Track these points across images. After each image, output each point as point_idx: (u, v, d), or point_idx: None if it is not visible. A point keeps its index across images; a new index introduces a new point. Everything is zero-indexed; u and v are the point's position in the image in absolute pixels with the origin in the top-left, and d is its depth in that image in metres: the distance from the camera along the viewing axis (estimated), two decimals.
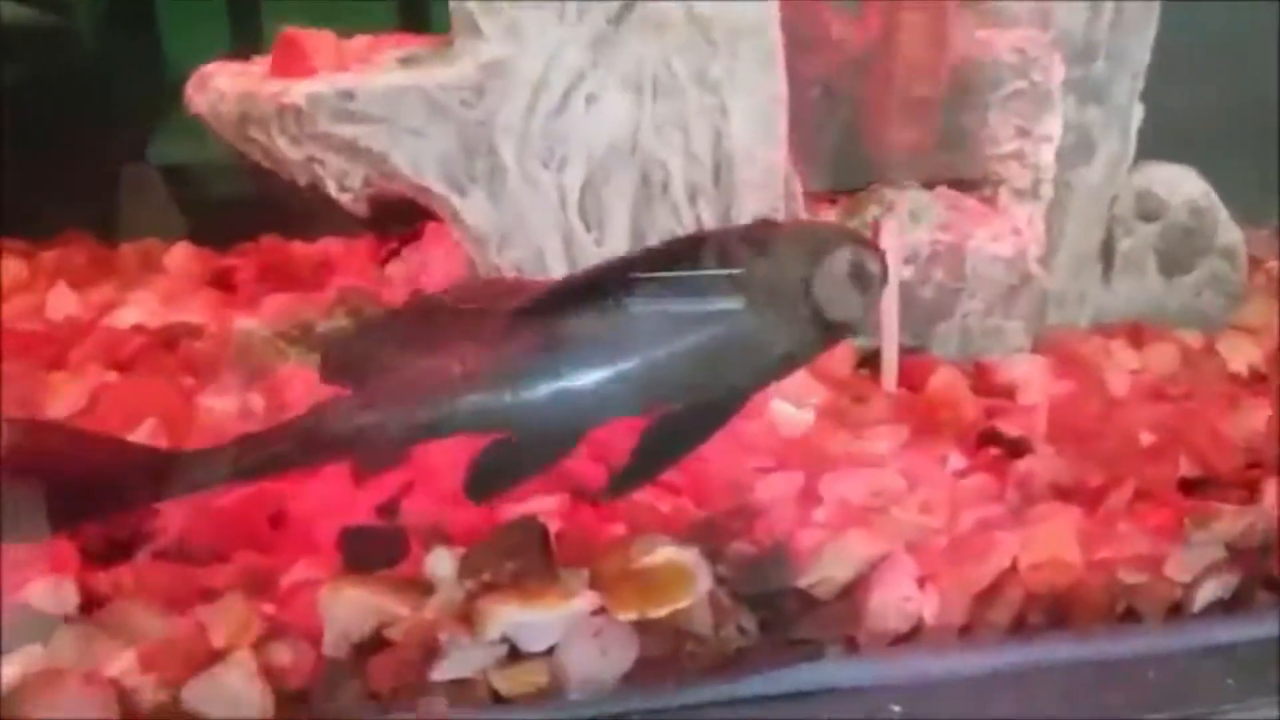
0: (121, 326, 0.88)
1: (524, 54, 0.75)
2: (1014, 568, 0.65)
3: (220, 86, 0.75)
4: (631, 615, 0.59)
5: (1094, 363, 0.87)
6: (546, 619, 0.58)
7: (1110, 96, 0.89)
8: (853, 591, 0.63)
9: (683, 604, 0.59)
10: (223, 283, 1.02)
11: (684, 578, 0.60)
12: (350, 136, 0.73)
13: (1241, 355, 0.89)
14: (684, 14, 0.76)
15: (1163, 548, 0.67)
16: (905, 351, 0.86)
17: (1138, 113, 0.90)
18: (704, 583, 0.60)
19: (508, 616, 0.58)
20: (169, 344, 0.85)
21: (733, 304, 0.60)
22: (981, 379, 0.86)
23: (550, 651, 0.59)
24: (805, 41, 0.88)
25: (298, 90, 0.72)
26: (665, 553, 0.60)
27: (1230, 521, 0.66)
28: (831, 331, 0.62)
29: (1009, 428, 0.77)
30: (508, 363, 0.59)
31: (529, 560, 0.59)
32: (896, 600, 0.63)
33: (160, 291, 0.98)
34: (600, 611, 0.59)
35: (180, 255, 1.06)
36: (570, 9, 0.74)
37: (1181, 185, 0.93)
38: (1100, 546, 0.66)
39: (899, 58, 0.83)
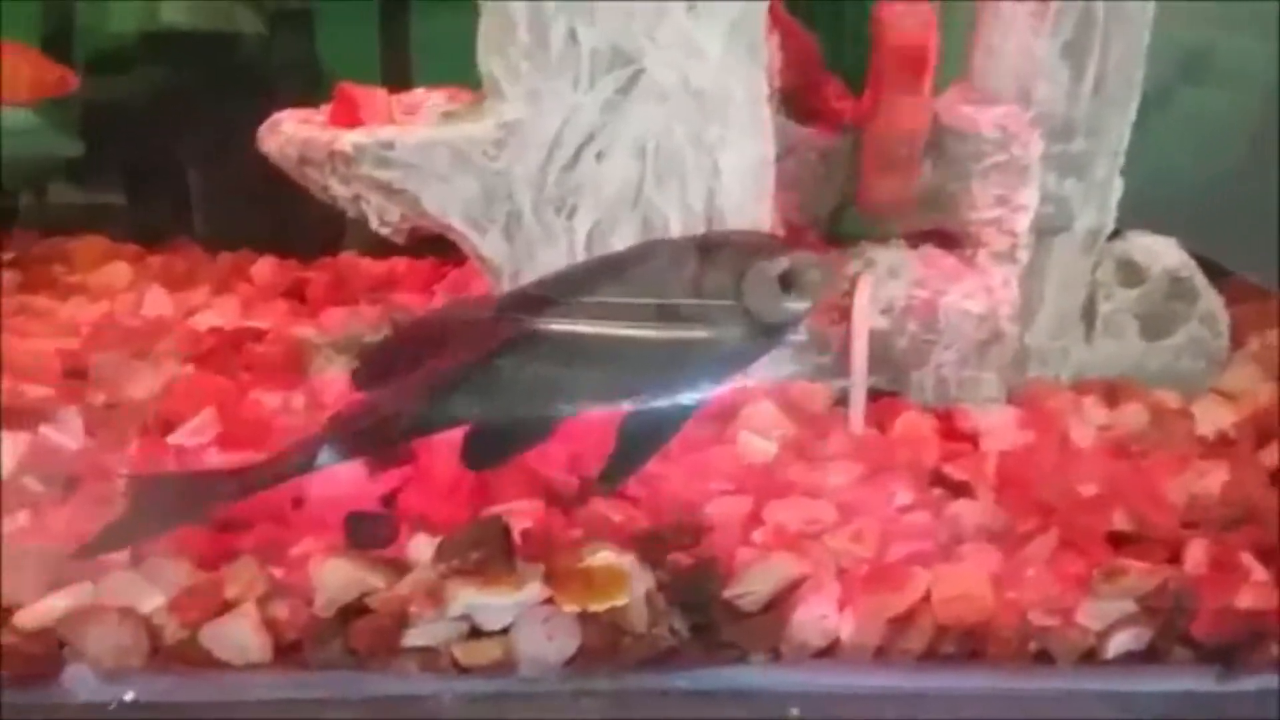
0: (201, 327, 1.03)
1: (541, 115, 0.86)
2: (927, 599, 0.71)
3: (286, 131, 0.89)
4: (575, 608, 0.68)
5: (1062, 416, 0.92)
6: (502, 603, 0.68)
7: (1089, 171, 0.94)
8: (776, 606, 0.71)
9: (620, 602, 0.69)
10: (296, 293, 1.16)
11: (621, 579, 0.69)
12: (388, 180, 0.85)
13: (1213, 419, 0.93)
14: (682, 85, 0.86)
15: (1075, 595, 0.72)
16: (880, 395, 0.93)
17: (1117, 186, 0.95)
18: (641, 586, 0.70)
19: (468, 598, 0.68)
20: (236, 345, 1.00)
21: (683, 305, 0.68)
22: (951, 425, 0.92)
23: (505, 632, 0.69)
24: (807, 111, 0.97)
25: (346, 139, 0.85)
26: (605, 556, 0.69)
27: (1138, 578, 0.71)
28: (769, 333, 0.69)
29: (957, 471, 0.84)
30: (491, 360, 0.69)
31: (492, 552, 0.70)
32: (815, 618, 0.71)
33: (242, 298, 1.13)
34: (549, 602, 0.69)
35: (265, 266, 1.21)
36: (583, 79, 0.85)
37: (1162, 255, 0.97)
38: (1012, 588, 0.72)
39: (883, 123, 0.91)
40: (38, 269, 1.15)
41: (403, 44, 1.31)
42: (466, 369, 0.70)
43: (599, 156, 0.87)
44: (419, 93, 0.97)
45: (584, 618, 0.69)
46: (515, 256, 0.89)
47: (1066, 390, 0.97)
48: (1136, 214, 0.97)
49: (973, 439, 0.91)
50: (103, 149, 1.32)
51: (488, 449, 0.72)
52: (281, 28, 1.31)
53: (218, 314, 1.07)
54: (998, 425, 0.91)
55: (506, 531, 0.71)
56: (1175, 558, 0.76)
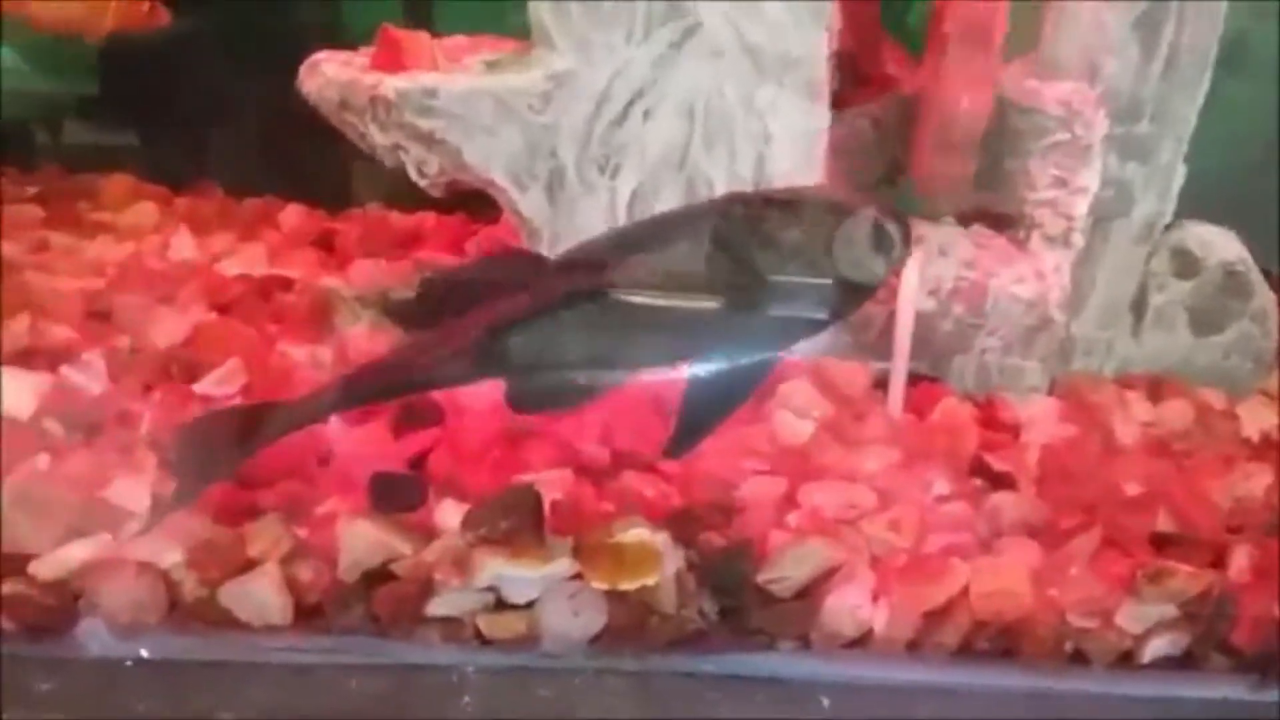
0: (228, 274, 1.00)
1: (591, 68, 0.82)
2: (965, 593, 0.69)
3: (327, 73, 0.85)
4: (604, 585, 0.67)
5: (1106, 411, 0.90)
6: (528, 576, 0.67)
7: (1153, 155, 0.90)
8: (808, 593, 0.69)
9: (650, 581, 0.67)
10: (324, 244, 1.13)
11: (652, 557, 0.67)
12: (429, 129, 0.82)
13: (1260, 421, 0.90)
14: (737, 43, 0.82)
15: (1117, 597, 0.70)
16: (920, 380, 0.91)
17: (1180, 173, 0.91)
18: (672, 565, 0.68)
19: (495, 569, 0.66)
20: (264, 294, 0.97)
21: (763, 263, 0.65)
22: (991, 414, 0.90)
23: (531, 606, 0.68)
24: (862, 77, 0.93)
25: (389, 84, 0.82)
26: (638, 533, 0.67)
27: (1184, 582, 0.69)
28: (856, 294, 0.66)
29: (998, 462, 0.81)
30: (549, 310, 0.67)
31: (521, 522, 0.68)
32: (849, 607, 0.69)
33: (269, 246, 1.11)
34: (577, 577, 0.67)
35: (293, 214, 1.18)
36: (637, 31, 0.82)
37: (1219, 247, 0.94)
38: (1052, 585, 0.70)
39: (943, 98, 0.87)
40: (63, 205, 1.12)
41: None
42: (531, 318, 0.67)
43: (647, 114, 0.84)
44: (462, 39, 0.94)
45: (612, 595, 0.67)
46: (555, 215, 0.86)
47: (1110, 384, 0.94)
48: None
49: (1013, 429, 0.88)
50: (121, 91, 1.29)
51: (536, 394, 0.69)
52: None
53: (244, 261, 1.05)
54: (1039, 417, 0.89)
55: (538, 501, 0.69)
56: (1219, 562, 0.74)
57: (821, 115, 0.84)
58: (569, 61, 0.82)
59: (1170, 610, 0.70)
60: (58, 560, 0.66)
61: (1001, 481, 0.80)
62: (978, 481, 0.81)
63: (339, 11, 1.27)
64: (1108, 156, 0.89)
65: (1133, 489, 0.80)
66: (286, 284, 0.99)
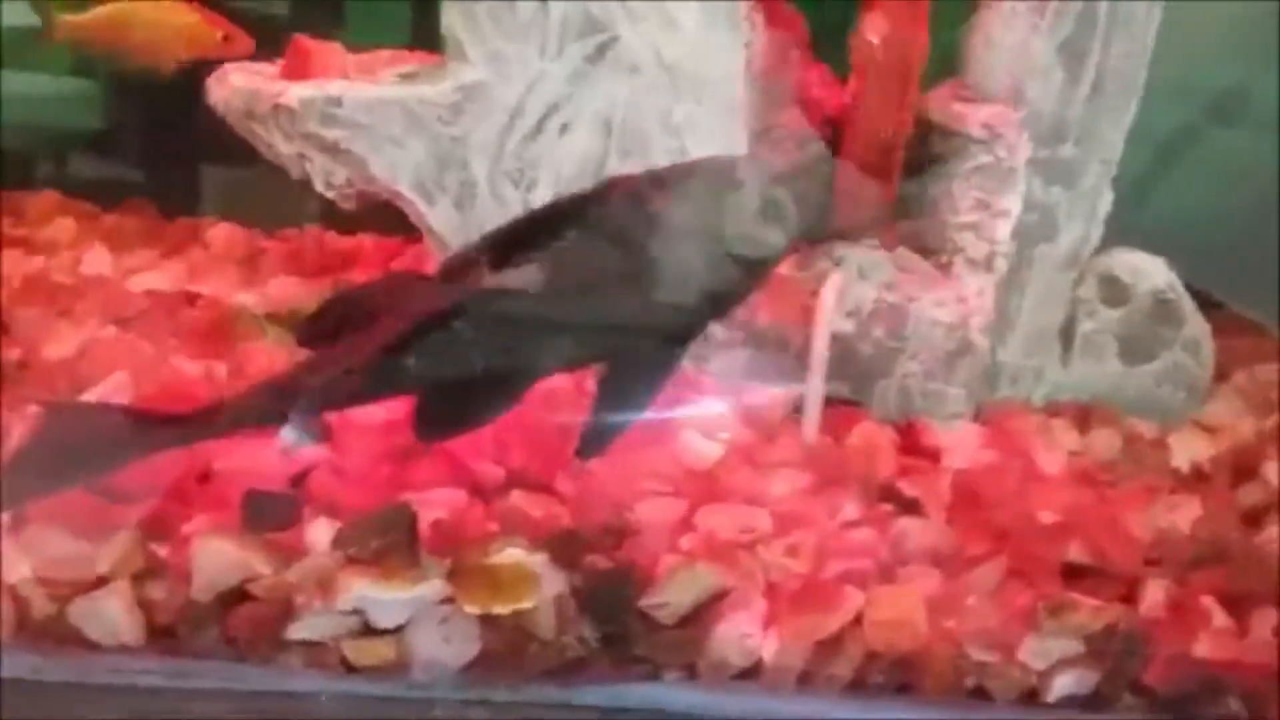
0: (137, 290, 0.98)
1: (504, 81, 0.81)
2: (858, 622, 0.66)
3: (234, 83, 0.84)
4: (476, 609, 0.63)
5: (1030, 439, 0.87)
6: (397, 598, 0.63)
7: (1078, 179, 0.88)
8: (695, 620, 0.65)
9: (526, 605, 0.63)
10: (250, 262, 1.11)
11: (528, 580, 0.63)
12: (334, 139, 0.81)
13: (1190, 452, 0.87)
14: (655, 59, 0.81)
15: (1019, 630, 0.67)
16: (840, 403, 0.88)
17: (1106, 198, 0.90)
18: (551, 589, 0.64)
19: (361, 590, 0.63)
20: (170, 309, 0.95)
21: (650, 246, 0.62)
22: (912, 439, 0.87)
23: (400, 631, 0.64)
24: (784, 97, 0.92)
25: (293, 92, 0.80)
26: (514, 554, 0.64)
27: (1087, 616, 0.66)
28: (751, 270, 0.63)
29: (909, 488, 0.78)
30: (438, 322, 0.64)
31: (393, 541, 0.64)
32: (738, 636, 0.65)
33: (191, 263, 1.08)
34: (449, 601, 0.64)
35: (221, 233, 1.16)
36: (551, 44, 0.80)
37: (1148, 274, 0.92)
38: (951, 616, 0.67)
39: (864, 120, 0.85)
40: None
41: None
42: (411, 331, 0.64)
43: (562, 129, 0.82)
44: (382, 53, 0.93)
45: (486, 620, 0.64)
46: (466, 229, 0.83)
47: (1037, 412, 0.91)
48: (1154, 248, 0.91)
49: (933, 455, 0.85)
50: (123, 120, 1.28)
51: (441, 417, 0.66)
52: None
53: (160, 277, 1.02)
54: (960, 443, 0.86)
55: (412, 520, 0.65)
56: (1132, 596, 0.71)
57: (739, 135, 0.83)
58: (480, 73, 0.81)
59: (1075, 645, 0.66)
60: None
61: (910, 507, 0.77)
62: (887, 507, 0.78)
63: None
64: (1032, 180, 0.87)
65: (1048, 518, 0.76)
66: (192, 299, 0.96)
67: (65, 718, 0.61)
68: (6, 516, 0.64)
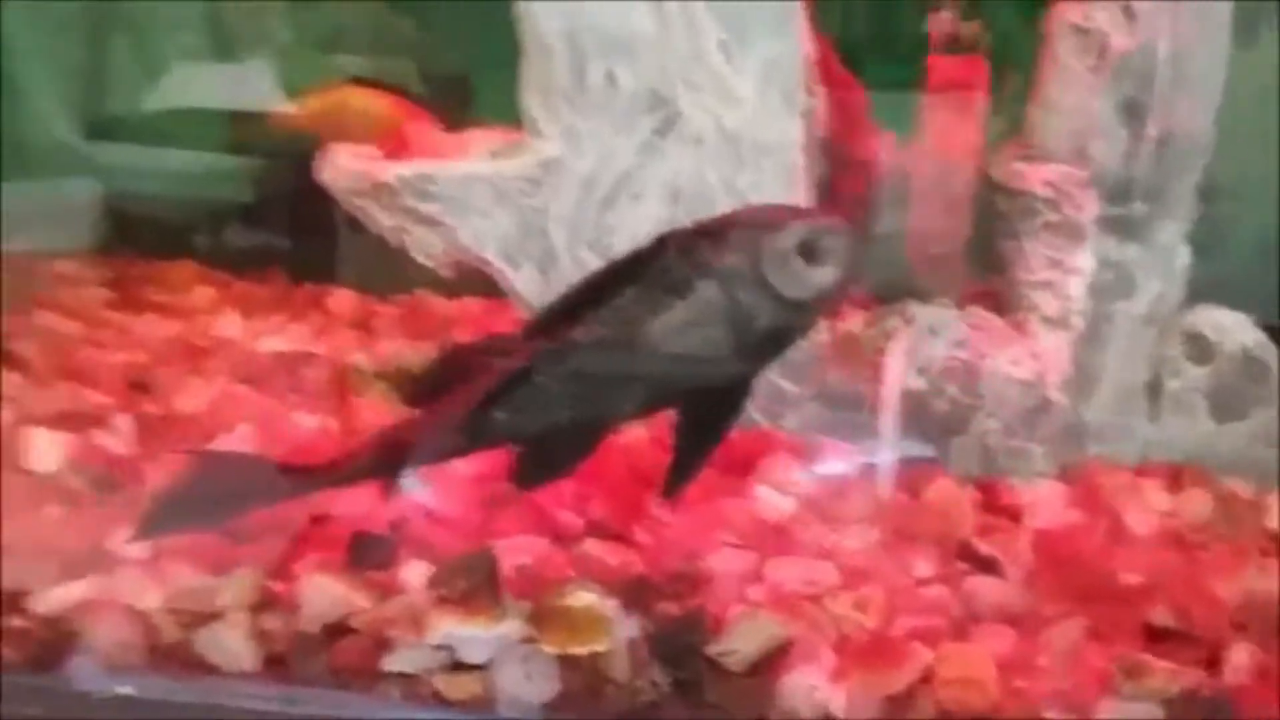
0: (263, 350, 1.08)
1: (579, 155, 0.87)
2: (929, 679, 0.67)
3: (340, 163, 0.93)
4: (554, 649, 0.67)
5: (1118, 498, 0.86)
6: (481, 636, 0.68)
7: (1151, 237, 0.88)
8: (763, 670, 0.67)
9: (600, 647, 0.67)
10: (364, 325, 1.21)
11: (601, 623, 0.67)
12: (429, 212, 0.88)
13: None
14: (717, 130, 0.86)
15: (1095, 692, 0.66)
16: (915, 461, 0.89)
17: (1183, 254, 0.89)
18: (624, 633, 0.68)
19: (448, 627, 0.68)
20: (291, 368, 1.04)
21: (703, 292, 0.65)
22: (991, 498, 0.87)
23: (486, 667, 0.68)
24: (848, 162, 0.95)
25: (392, 171, 0.88)
26: (588, 598, 0.68)
27: (1164, 679, 0.65)
28: (799, 310, 0.65)
29: (985, 546, 0.79)
30: (521, 377, 0.69)
31: (478, 583, 0.69)
32: (806, 687, 0.67)
33: (313, 326, 1.18)
34: (530, 640, 0.68)
35: (340, 299, 1.26)
36: (621, 120, 0.86)
37: (1233, 331, 0.90)
38: (1024, 676, 0.67)
39: (927, 182, 0.88)
40: (130, 288, 1.23)
41: None
42: (498, 388, 0.70)
43: (634, 198, 0.88)
44: (476, 133, 1.01)
45: (565, 660, 0.68)
46: (548, 293, 0.89)
47: (1126, 471, 0.90)
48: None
49: (1014, 514, 0.85)
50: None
51: (536, 467, 0.72)
52: (442, 89, 1.37)
53: (285, 340, 1.12)
54: (1043, 501, 0.86)
55: (493, 564, 0.70)
56: (1215, 661, 0.69)
57: (800, 198, 0.86)
58: (557, 149, 0.87)
59: (1154, 710, 0.65)
60: (55, 598, 0.71)
61: (986, 566, 0.77)
62: (962, 565, 0.78)
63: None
64: (1104, 238, 0.88)
65: (1132, 579, 0.76)
66: (311, 359, 1.05)
67: None
68: (142, 547, 0.72)
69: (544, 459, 0.72)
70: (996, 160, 0.89)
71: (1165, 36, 0.84)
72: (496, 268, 0.90)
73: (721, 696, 0.68)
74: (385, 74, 1.31)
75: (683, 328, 0.66)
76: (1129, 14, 0.85)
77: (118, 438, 0.88)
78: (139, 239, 1.31)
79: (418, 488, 0.82)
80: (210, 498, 0.73)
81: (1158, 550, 0.80)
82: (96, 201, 1.28)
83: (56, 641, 0.70)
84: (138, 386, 0.98)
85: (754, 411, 0.86)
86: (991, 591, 0.74)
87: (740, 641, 0.67)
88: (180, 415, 0.93)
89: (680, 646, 0.68)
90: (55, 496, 0.80)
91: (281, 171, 1.31)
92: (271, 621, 0.70)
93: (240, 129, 1.33)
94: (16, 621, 0.70)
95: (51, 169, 1.31)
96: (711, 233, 0.67)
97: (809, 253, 0.64)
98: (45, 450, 0.84)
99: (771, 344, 0.68)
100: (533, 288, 0.90)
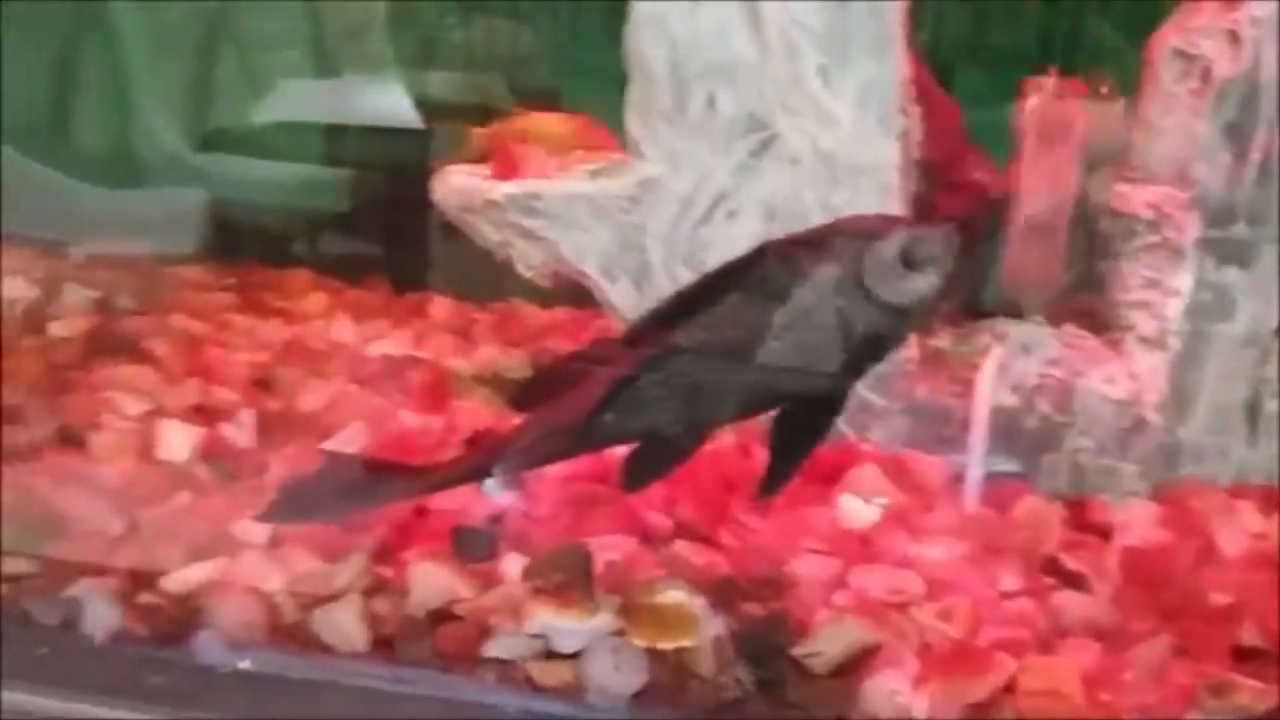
0: (373, 354, 1.14)
1: (677, 175, 0.91)
2: (1011, 689, 0.68)
3: (452, 182, 0.98)
4: (642, 642, 0.70)
5: (1210, 519, 0.85)
6: (574, 627, 0.71)
7: (1253, 259, 0.87)
8: (847, 672, 0.69)
9: (687, 643, 0.70)
10: (463, 332, 1.26)
11: (688, 620, 0.70)
12: (533, 228, 0.93)
13: None
14: (812, 151, 0.88)
15: (1179, 708, 0.66)
16: (1005, 476, 0.89)
17: None
18: (710, 630, 0.70)
19: (544, 617, 0.71)
20: (398, 371, 1.09)
21: (802, 298, 0.68)
22: (1082, 515, 0.87)
23: (577, 657, 0.72)
24: (948, 183, 0.96)
25: (499, 189, 0.93)
26: (676, 595, 0.71)
27: (1251, 697, 0.64)
28: (900, 316, 0.67)
29: (1072, 562, 0.79)
30: (625, 382, 0.72)
31: (572, 577, 0.73)
32: (887, 691, 0.68)
33: (416, 332, 1.24)
34: (620, 634, 0.71)
35: (440, 306, 1.32)
36: (719, 142, 0.90)
37: None
38: (1107, 690, 0.67)
39: (1026, 201, 0.89)
40: (251, 294, 1.31)
41: None
42: (606, 393, 0.73)
43: (729, 215, 0.91)
44: (579, 153, 1.05)
45: (653, 654, 0.71)
46: (643, 305, 0.93)
47: (1220, 492, 0.89)
48: None
49: (1103, 532, 0.85)
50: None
51: (642, 469, 0.75)
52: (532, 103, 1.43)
53: (391, 344, 1.18)
54: (1133, 520, 0.85)
55: (588, 558, 0.74)
56: None
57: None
58: (657, 169, 0.91)
59: None
60: (183, 578, 0.77)
61: (1073, 581, 0.78)
62: (1049, 580, 0.79)
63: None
64: (1204, 260, 0.87)
65: (1221, 599, 0.75)
66: (417, 363, 1.11)
67: (297, 709, 0.72)
68: (263, 530, 0.77)
69: (650, 461, 0.75)
70: (1096, 181, 0.90)
71: (1269, 62, 0.84)
72: (594, 280, 0.94)
73: (804, 697, 0.70)
74: (476, 90, 1.37)
75: (782, 333, 0.69)
76: (1234, 40, 0.85)
77: (242, 431, 0.95)
78: (245, 246, 1.40)
79: (516, 486, 0.86)
80: (335, 494, 0.79)
81: (1248, 570, 0.79)
82: (203, 209, 1.37)
83: (183, 618, 0.76)
84: (260, 385, 1.05)
85: (841, 423, 0.87)
86: (1078, 607, 0.74)
87: (825, 644, 0.69)
88: (299, 412, 0.99)
89: (765, 646, 0.70)
90: (185, 484, 0.87)
91: (378, 183, 1.40)
92: (382, 605, 0.75)
93: (339, 142, 1.39)
94: (148, 598, 0.76)
95: (162, 179, 1.40)
96: (811, 241, 0.69)
97: (910, 259, 0.66)
98: (176, 442, 0.91)
99: (870, 350, 0.70)
100: (628, 300, 0.93)
